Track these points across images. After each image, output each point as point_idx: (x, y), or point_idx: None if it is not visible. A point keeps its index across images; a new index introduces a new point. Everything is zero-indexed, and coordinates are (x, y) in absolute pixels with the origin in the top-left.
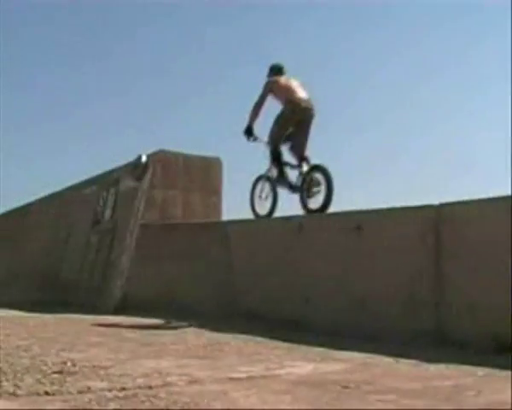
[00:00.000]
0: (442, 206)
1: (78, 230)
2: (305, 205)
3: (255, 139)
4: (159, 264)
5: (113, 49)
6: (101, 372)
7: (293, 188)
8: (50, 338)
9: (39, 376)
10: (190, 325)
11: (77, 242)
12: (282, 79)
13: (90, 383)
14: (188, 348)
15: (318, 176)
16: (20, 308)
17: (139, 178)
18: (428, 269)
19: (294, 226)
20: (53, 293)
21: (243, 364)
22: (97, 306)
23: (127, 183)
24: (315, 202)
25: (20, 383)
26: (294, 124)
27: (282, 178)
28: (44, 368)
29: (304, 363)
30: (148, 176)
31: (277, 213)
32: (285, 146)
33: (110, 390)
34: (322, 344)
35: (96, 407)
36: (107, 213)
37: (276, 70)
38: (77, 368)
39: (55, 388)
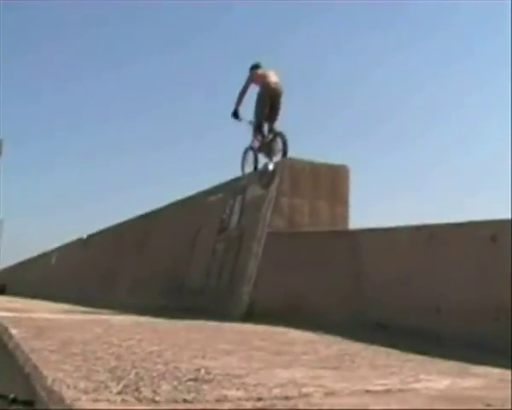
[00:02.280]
0: None
1: (204, 236)
2: (271, 159)
3: (240, 120)
4: (286, 272)
5: None
6: (236, 381)
7: (269, 154)
8: (181, 345)
9: (175, 383)
10: (319, 335)
11: (203, 248)
12: (259, 71)
13: (227, 392)
14: (319, 358)
15: (279, 140)
16: (149, 314)
17: (266, 186)
18: None
19: (425, 235)
20: (179, 299)
21: (377, 376)
22: (224, 312)
23: (254, 190)
24: (277, 157)
25: (157, 390)
26: (270, 100)
27: (263, 147)
28: (179, 375)
29: (440, 377)
30: (275, 184)
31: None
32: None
33: (247, 400)
34: (455, 357)
35: None
36: (234, 220)
37: (255, 66)
38: (211, 376)
39: (192, 395)
